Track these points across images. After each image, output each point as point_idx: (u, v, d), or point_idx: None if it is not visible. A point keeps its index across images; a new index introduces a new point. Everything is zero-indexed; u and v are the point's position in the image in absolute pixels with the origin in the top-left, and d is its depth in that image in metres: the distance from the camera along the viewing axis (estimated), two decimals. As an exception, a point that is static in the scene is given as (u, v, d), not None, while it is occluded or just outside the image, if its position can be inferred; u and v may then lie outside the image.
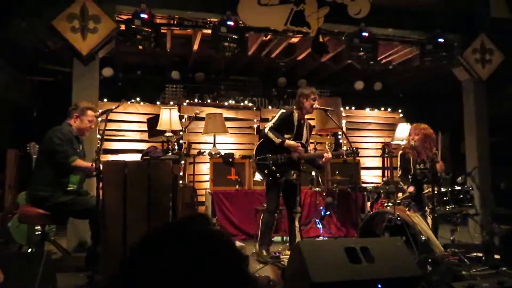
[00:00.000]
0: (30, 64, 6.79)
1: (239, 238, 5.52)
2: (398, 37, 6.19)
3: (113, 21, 4.99)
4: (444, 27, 6.01)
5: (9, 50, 6.16)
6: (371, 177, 7.57)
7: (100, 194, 3.24)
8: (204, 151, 6.07)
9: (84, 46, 4.86)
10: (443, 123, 6.73)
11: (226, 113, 6.97)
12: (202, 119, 6.44)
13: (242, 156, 6.44)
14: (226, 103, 7.45)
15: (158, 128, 5.15)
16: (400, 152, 4.90)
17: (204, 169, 6.71)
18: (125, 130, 6.77)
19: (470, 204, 4.33)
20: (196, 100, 7.48)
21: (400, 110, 8.05)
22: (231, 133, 6.71)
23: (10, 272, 2.44)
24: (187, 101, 7.26)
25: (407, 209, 4.10)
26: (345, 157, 4.63)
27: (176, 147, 4.90)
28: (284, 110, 4.43)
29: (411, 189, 4.50)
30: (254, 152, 4.39)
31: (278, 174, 4.27)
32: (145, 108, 6.92)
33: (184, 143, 6.11)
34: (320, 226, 5.43)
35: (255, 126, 7.31)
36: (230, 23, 5.23)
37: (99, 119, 4.73)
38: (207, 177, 6.46)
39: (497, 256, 3.91)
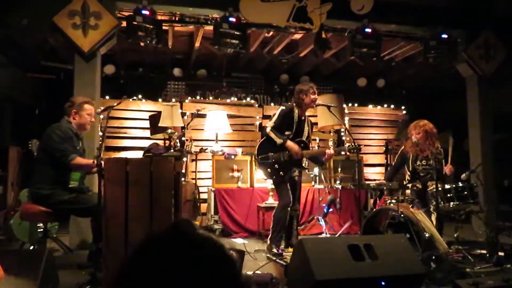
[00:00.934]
0: (31, 61, 6.78)
1: (241, 235, 5.51)
2: (402, 33, 6.15)
3: (114, 18, 4.98)
4: (447, 23, 5.96)
5: (11, 48, 6.15)
6: (374, 174, 7.55)
7: (102, 191, 3.23)
8: (207, 148, 6.05)
9: (86, 43, 4.85)
10: (446, 119, 6.71)
11: (228, 110, 6.96)
12: (204, 116, 6.44)
13: (244, 153, 6.42)
14: (228, 100, 7.43)
15: (160, 125, 5.14)
16: (402, 149, 4.88)
17: (206, 166, 6.70)
18: (128, 128, 6.76)
19: (474, 201, 4.30)
20: (198, 97, 7.47)
21: (403, 107, 8.03)
22: (233, 130, 6.69)
23: (12, 269, 2.43)
24: (189, 98, 7.24)
25: (410, 206, 4.09)
26: (347, 153, 4.60)
27: (179, 144, 4.88)
28: (284, 107, 4.41)
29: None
30: (256, 151, 4.37)
31: (281, 173, 4.26)
32: (147, 105, 6.90)
33: (187, 140, 6.09)
34: (322, 223, 5.41)
35: (257, 123, 7.29)
36: (232, 19, 5.20)
37: (101, 116, 4.71)
38: (209, 174, 6.45)
39: (501, 254, 3.88)
